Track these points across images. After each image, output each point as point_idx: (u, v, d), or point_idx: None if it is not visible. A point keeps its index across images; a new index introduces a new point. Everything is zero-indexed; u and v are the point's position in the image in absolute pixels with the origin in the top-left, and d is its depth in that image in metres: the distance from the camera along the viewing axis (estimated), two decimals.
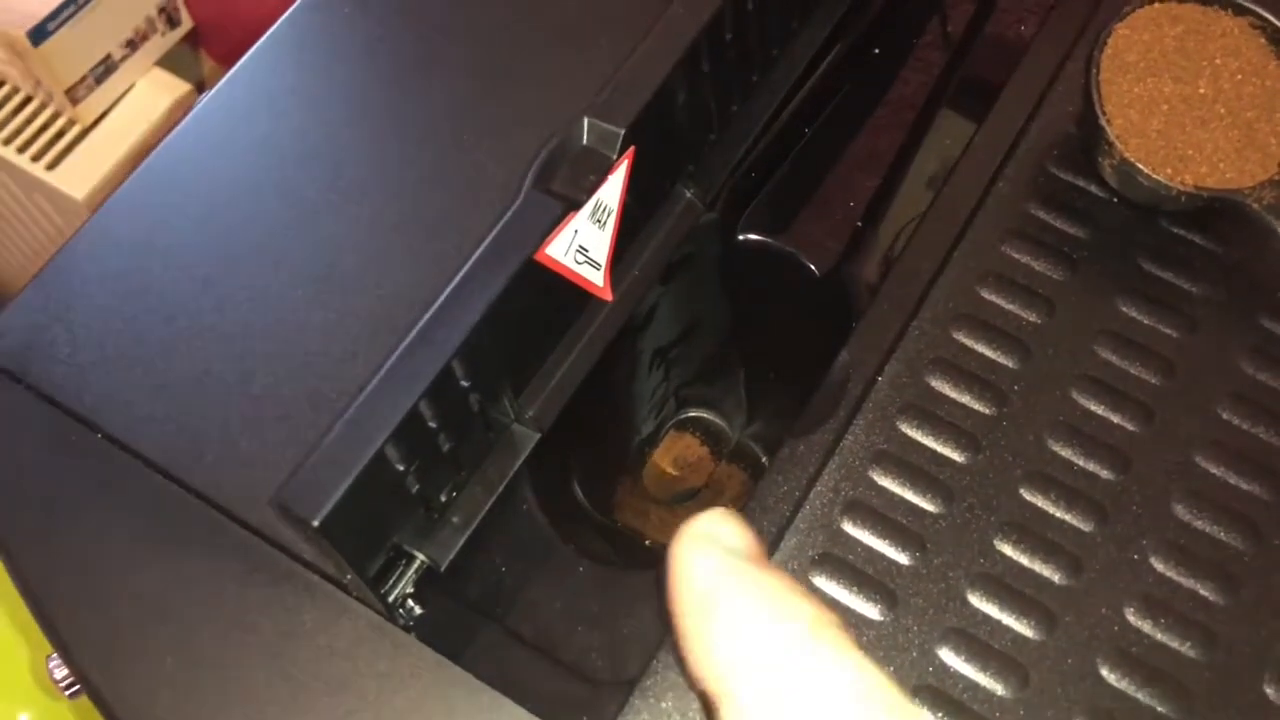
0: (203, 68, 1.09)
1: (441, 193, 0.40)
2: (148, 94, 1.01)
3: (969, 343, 0.39)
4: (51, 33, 0.92)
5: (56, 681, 0.40)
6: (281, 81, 0.43)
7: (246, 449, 0.36)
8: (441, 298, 0.33)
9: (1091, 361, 0.38)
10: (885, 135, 0.51)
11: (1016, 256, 0.40)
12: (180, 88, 1.01)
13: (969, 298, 0.39)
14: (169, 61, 1.03)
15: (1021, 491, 0.36)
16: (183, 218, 0.40)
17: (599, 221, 0.37)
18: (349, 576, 0.34)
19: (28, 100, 0.99)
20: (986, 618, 0.34)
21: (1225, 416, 0.38)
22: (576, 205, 0.35)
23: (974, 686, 0.34)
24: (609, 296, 0.40)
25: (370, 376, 0.32)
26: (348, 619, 0.34)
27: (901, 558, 0.35)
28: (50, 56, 0.93)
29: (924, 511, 0.36)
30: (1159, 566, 0.35)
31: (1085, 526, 0.36)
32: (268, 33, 0.45)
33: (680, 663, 0.22)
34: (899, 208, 0.50)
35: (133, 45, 0.99)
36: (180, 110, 1.00)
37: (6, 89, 1.00)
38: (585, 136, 0.37)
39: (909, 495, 0.36)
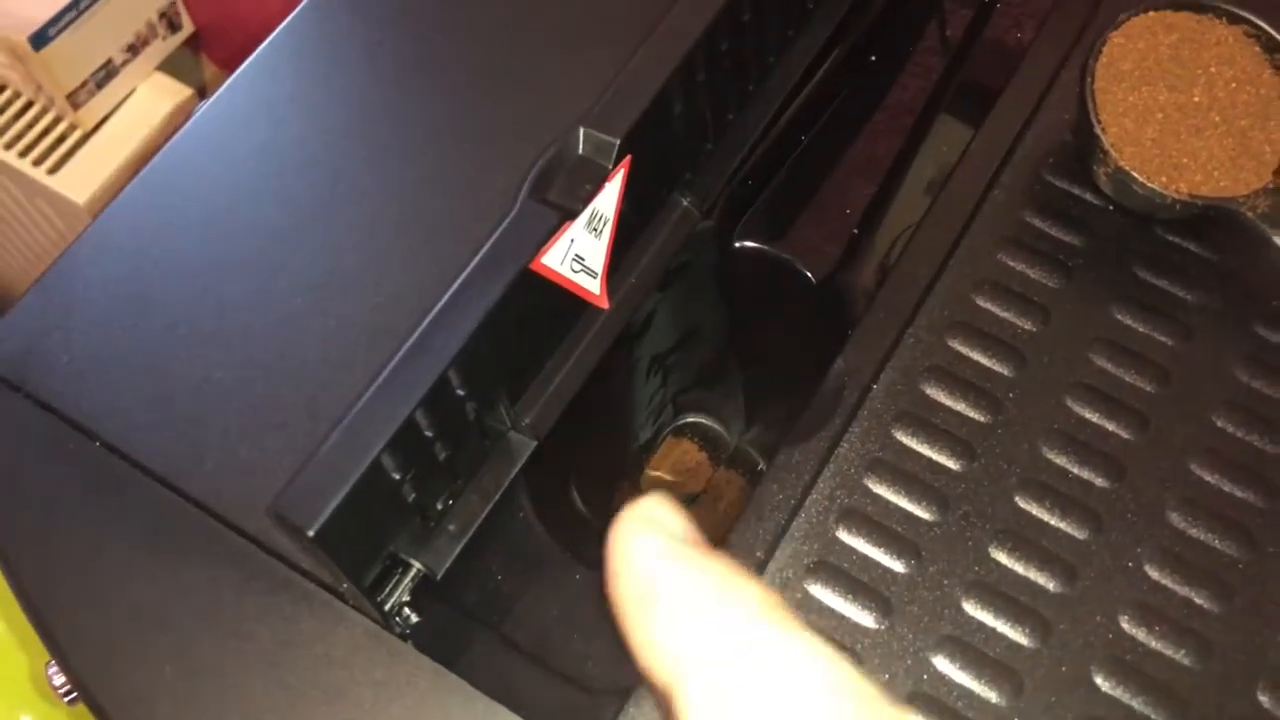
0: (204, 72, 1.10)
1: (438, 202, 0.40)
2: (149, 98, 1.01)
3: (964, 350, 0.39)
4: (53, 38, 0.92)
5: (55, 688, 0.40)
6: (280, 89, 0.43)
7: (245, 457, 0.36)
8: (438, 306, 0.33)
9: (1086, 369, 0.39)
10: (882, 141, 0.51)
11: (1012, 264, 0.40)
12: (181, 92, 1.02)
13: (964, 305, 0.40)
14: (170, 66, 1.03)
15: (1016, 499, 0.36)
16: (181, 226, 0.41)
17: (595, 230, 0.37)
18: (345, 585, 0.34)
19: (29, 105, 0.99)
20: (981, 625, 0.35)
21: (1220, 424, 0.38)
22: (572, 215, 0.36)
23: (969, 694, 0.34)
24: (605, 304, 0.40)
25: (367, 384, 0.32)
26: (344, 627, 0.34)
27: (896, 565, 0.35)
28: (51, 61, 0.93)
29: (919, 519, 0.36)
30: (1153, 574, 0.35)
31: (1080, 534, 0.36)
32: (267, 40, 0.45)
33: (629, 655, 0.22)
34: (896, 214, 0.50)
35: (134, 50, 0.99)
36: (181, 115, 1.01)
37: (8, 94, 1.00)
38: (581, 146, 0.37)
39: (904, 503, 0.36)
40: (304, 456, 0.31)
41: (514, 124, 0.41)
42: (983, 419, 0.38)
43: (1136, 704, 0.33)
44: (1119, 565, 0.35)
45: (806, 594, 0.35)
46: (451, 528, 0.36)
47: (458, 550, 0.36)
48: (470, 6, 0.45)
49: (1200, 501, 0.36)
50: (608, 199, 0.37)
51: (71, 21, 0.92)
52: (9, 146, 0.98)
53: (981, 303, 0.40)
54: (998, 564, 0.35)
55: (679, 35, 0.38)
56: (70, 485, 0.37)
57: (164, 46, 1.02)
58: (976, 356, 0.39)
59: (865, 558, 0.35)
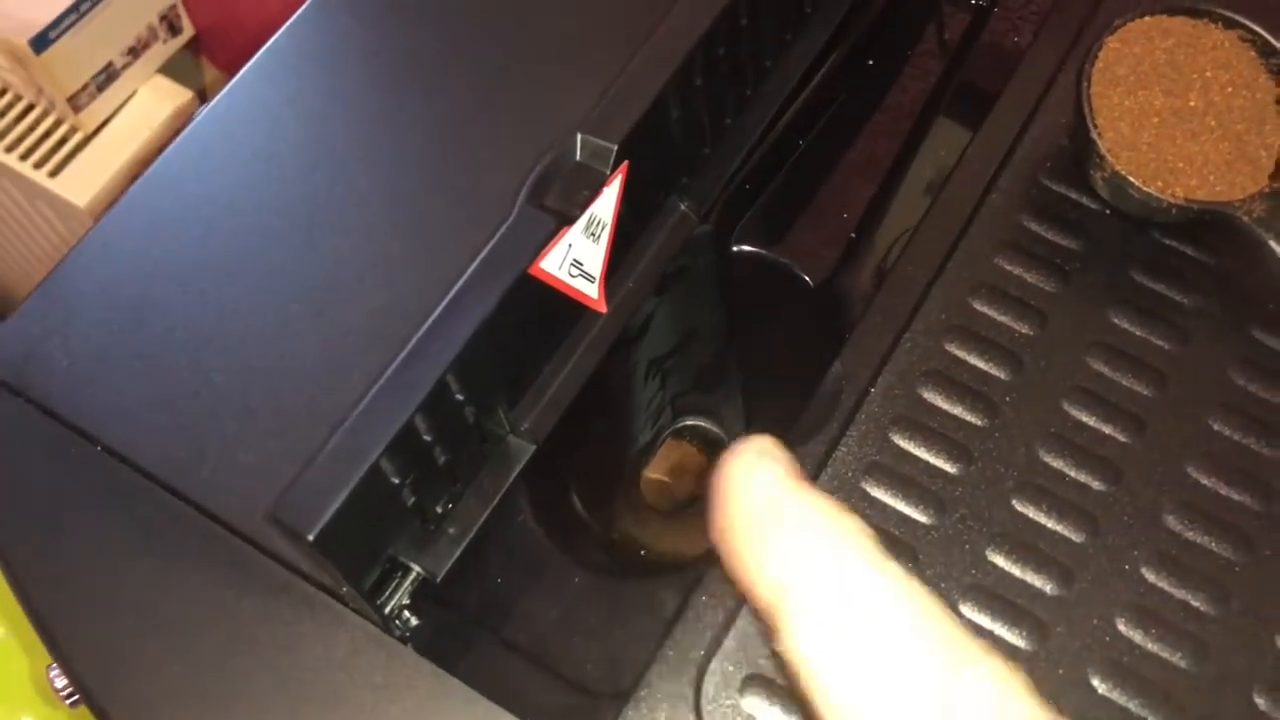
0: (204, 75, 1.10)
1: (437, 206, 0.40)
2: (149, 101, 1.02)
3: (961, 354, 0.39)
4: (53, 40, 0.92)
5: (57, 691, 0.40)
6: (280, 93, 0.44)
7: (245, 461, 0.36)
8: (437, 311, 0.34)
9: (1083, 373, 0.39)
10: (879, 145, 0.51)
11: (1009, 268, 0.41)
12: (182, 95, 1.02)
13: (962, 309, 0.40)
14: (170, 69, 1.03)
15: (1013, 502, 0.37)
16: (181, 230, 0.41)
17: (593, 235, 0.37)
18: (345, 588, 0.34)
19: (30, 108, 1.00)
20: (978, 628, 0.35)
21: (1217, 427, 0.38)
22: (570, 220, 0.36)
23: None
24: (603, 309, 0.40)
25: (367, 388, 0.32)
26: (344, 630, 0.35)
27: None
28: (52, 64, 0.93)
29: (916, 522, 0.36)
30: (1150, 577, 0.35)
31: (1077, 537, 0.36)
32: (266, 45, 0.45)
33: (727, 578, 0.24)
34: (894, 217, 0.50)
35: (134, 53, 0.99)
36: (182, 117, 1.01)
37: (9, 97, 1.00)
38: (579, 152, 0.37)
39: (901, 506, 0.36)
40: (303, 460, 0.31)
41: (512, 129, 0.41)
42: (980, 422, 0.38)
43: (1134, 706, 0.34)
44: (1116, 568, 0.35)
45: None
46: (451, 531, 0.36)
47: (457, 553, 0.36)
48: (469, 12, 0.45)
49: (1197, 504, 0.36)
50: (605, 204, 0.37)
51: (72, 24, 0.93)
52: (10, 149, 0.98)
53: (979, 306, 0.40)
54: (995, 567, 0.36)
55: (676, 40, 0.38)
56: (71, 489, 0.37)
57: (164, 49, 1.02)
58: (973, 360, 0.39)
59: None
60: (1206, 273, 0.41)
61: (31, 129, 0.99)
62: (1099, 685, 0.34)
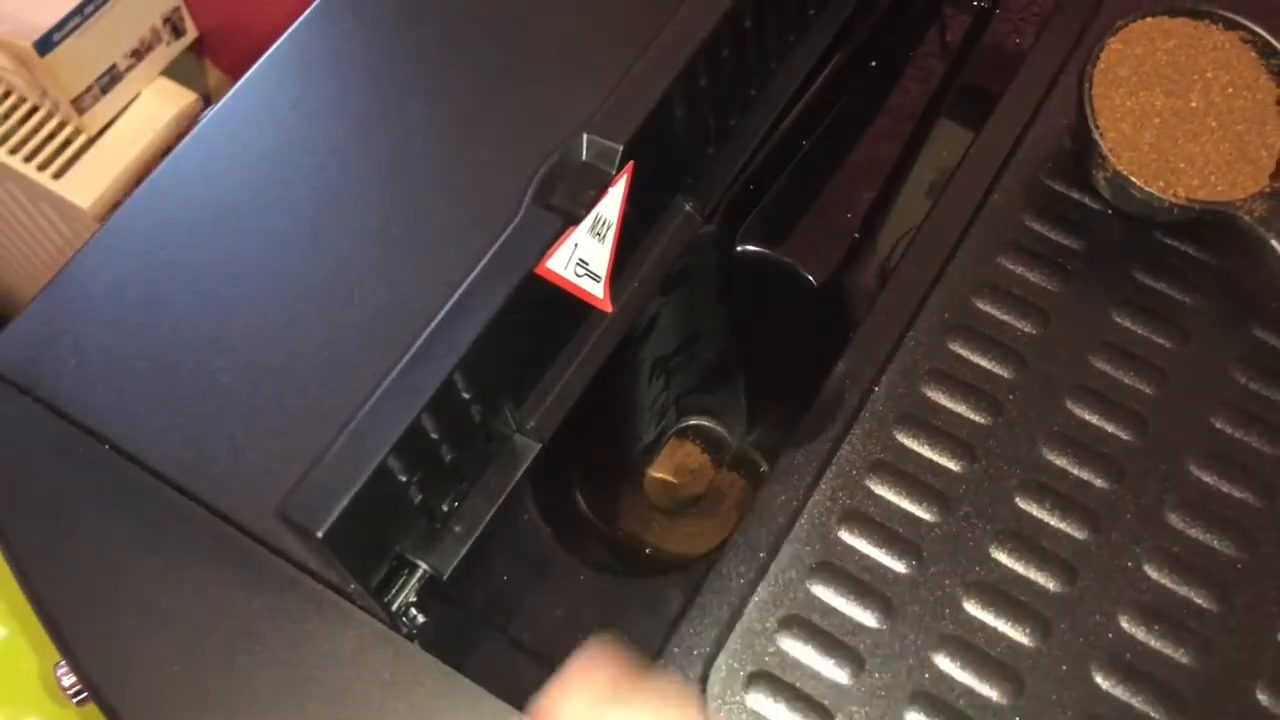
0: (208, 77, 1.10)
1: (443, 207, 0.40)
2: (153, 103, 1.02)
3: (965, 353, 0.39)
4: (57, 43, 0.92)
5: (64, 689, 0.40)
6: (285, 96, 0.44)
7: (252, 460, 0.36)
8: (443, 311, 0.34)
9: (1086, 371, 0.39)
10: (882, 145, 0.51)
11: (1012, 268, 0.41)
12: (186, 97, 1.02)
13: (965, 308, 0.40)
14: (174, 71, 1.03)
15: (1017, 500, 0.37)
16: (187, 231, 0.41)
17: (599, 235, 0.37)
18: (353, 586, 0.34)
19: (34, 110, 1.00)
20: (982, 625, 0.35)
21: (1218, 425, 0.38)
22: (576, 220, 0.36)
23: (970, 693, 0.34)
24: (609, 308, 0.40)
25: (374, 388, 0.33)
26: (352, 627, 0.35)
27: (898, 566, 0.36)
28: (56, 66, 0.93)
29: (920, 520, 0.36)
30: (1152, 574, 0.36)
31: (1080, 535, 0.36)
32: (271, 49, 0.45)
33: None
34: (897, 218, 0.50)
35: (138, 55, 0.99)
36: (185, 120, 1.01)
37: (13, 99, 1.00)
38: (584, 152, 0.37)
39: (905, 504, 0.37)
40: (311, 459, 0.32)
41: (517, 130, 0.42)
42: (983, 421, 0.38)
43: (1136, 702, 0.34)
44: (1118, 565, 0.36)
45: (809, 595, 0.35)
46: (457, 529, 0.36)
47: (464, 551, 0.36)
48: (473, 14, 0.45)
49: (1199, 502, 0.37)
50: (611, 204, 0.38)
51: (76, 27, 0.93)
52: (14, 151, 0.98)
53: (981, 306, 0.40)
54: (998, 564, 0.36)
55: (681, 42, 0.39)
56: (79, 487, 0.37)
57: (168, 52, 1.02)
58: (977, 359, 0.39)
59: (867, 558, 0.36)
60: (1208, 272, 0.41)
61: (35, 131, 0.99)
62: (1101, 681, 0.34)
